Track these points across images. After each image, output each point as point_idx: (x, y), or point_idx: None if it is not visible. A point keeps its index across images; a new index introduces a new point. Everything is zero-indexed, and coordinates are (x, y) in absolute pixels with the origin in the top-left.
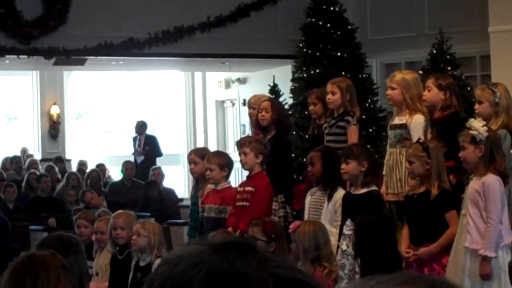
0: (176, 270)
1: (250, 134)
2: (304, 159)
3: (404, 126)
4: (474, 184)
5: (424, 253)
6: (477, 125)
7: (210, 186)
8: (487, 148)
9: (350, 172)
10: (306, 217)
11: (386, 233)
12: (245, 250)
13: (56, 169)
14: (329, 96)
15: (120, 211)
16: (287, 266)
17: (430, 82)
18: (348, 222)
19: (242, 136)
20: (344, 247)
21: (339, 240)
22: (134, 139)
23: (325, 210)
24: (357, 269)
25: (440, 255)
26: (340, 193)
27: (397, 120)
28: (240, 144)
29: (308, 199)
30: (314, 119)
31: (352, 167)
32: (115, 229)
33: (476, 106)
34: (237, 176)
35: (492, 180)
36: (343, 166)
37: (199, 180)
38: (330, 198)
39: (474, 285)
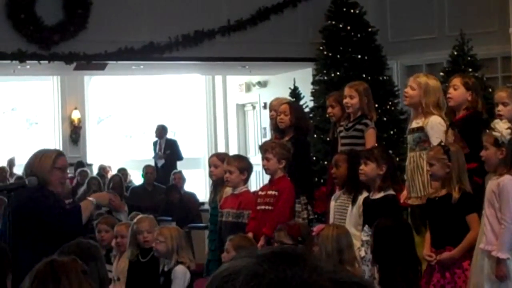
0: (235, 285)
1: (271, 137)
2: (325, 162)
3: (421, 129)
4: (491, 185)
5: (447, 258)
6: (501, 127)
7: (227, 190)
8: (508, 151)
9: (368, 173)
10: (331, 221)
11: (404, 237)
12: (295, 259)
13: (89, 172)
14: (347, 99)
15: (141, 215)
16: (340, 270)
17: (457, 81)
18: (366, 228)
19: (263, 139)
20: (362, 253)
21: None
22: (155, 143)
23: (349, 214)
24: (376, 275)
25: (461, 259)
26: (364, 196)
27: (414, 124)
28: (263, 149)
29: (332, 203)
30: (334, 123)
31: (370, 169)
32: (141, 233)
33: (500, 108)
34: (258, 180)
35: (507, 181)
36: (362, 167)
37: (217, 183)
38: (354, 201)
39: (492, 286)
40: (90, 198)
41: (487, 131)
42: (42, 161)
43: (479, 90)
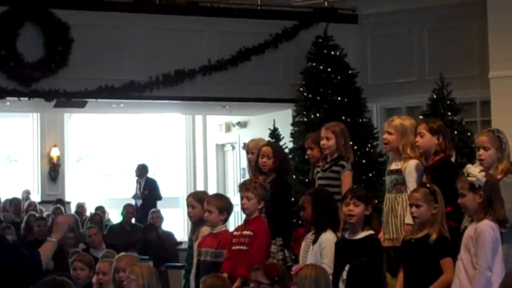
0: None
1: (250, 177)
2: None
3: (399, 172)
4: (469, 230)
5: None
6: (475, 171)
7: (204, 229)
8: (486, 194)
9: (359, 215)
10: (300, 261)
11: (376, 277)
12: None
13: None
14: (324, 141)
15: (123, 253)
16: None
17: (421, 128)
18: (347, 267)
19: (242, 179)
20: None
21: (333, 284)
22: (137, 182)
23: (310, 252)
24: None
25: None
26: (327, 235)
27: (393, 166)
28: (245, 188)
29: (303, 243)
30: (313, 164)
31: (361, 210)
32: (118, 272)
33: (481, 152)
34: (236, 220)
35: (484, 226)
36: (352, 207)
37: (196, 224)
38: (315, 240)
39: None
40: (52, 239)
41: (461, 177)
42: None
43: (446, 131)
